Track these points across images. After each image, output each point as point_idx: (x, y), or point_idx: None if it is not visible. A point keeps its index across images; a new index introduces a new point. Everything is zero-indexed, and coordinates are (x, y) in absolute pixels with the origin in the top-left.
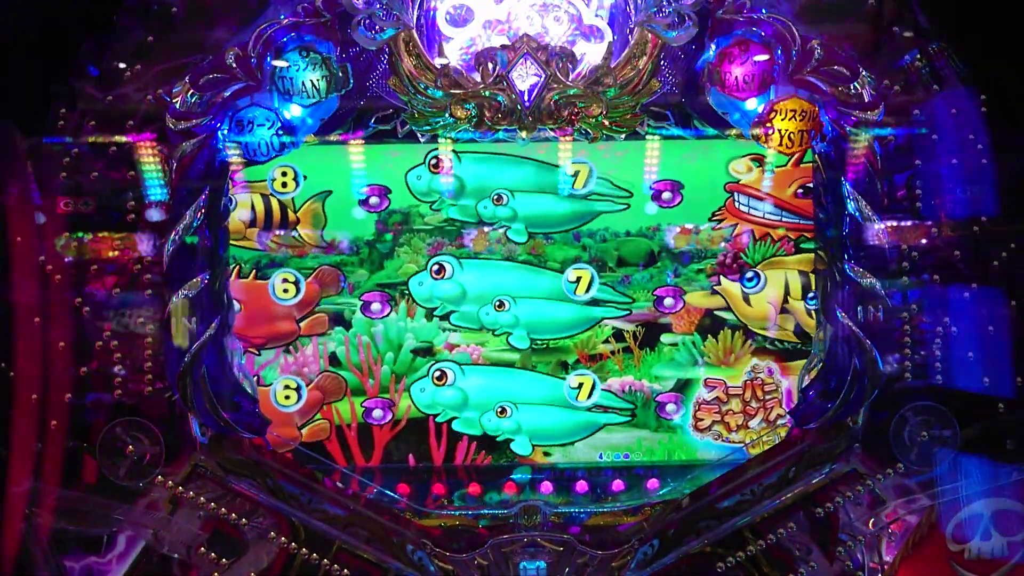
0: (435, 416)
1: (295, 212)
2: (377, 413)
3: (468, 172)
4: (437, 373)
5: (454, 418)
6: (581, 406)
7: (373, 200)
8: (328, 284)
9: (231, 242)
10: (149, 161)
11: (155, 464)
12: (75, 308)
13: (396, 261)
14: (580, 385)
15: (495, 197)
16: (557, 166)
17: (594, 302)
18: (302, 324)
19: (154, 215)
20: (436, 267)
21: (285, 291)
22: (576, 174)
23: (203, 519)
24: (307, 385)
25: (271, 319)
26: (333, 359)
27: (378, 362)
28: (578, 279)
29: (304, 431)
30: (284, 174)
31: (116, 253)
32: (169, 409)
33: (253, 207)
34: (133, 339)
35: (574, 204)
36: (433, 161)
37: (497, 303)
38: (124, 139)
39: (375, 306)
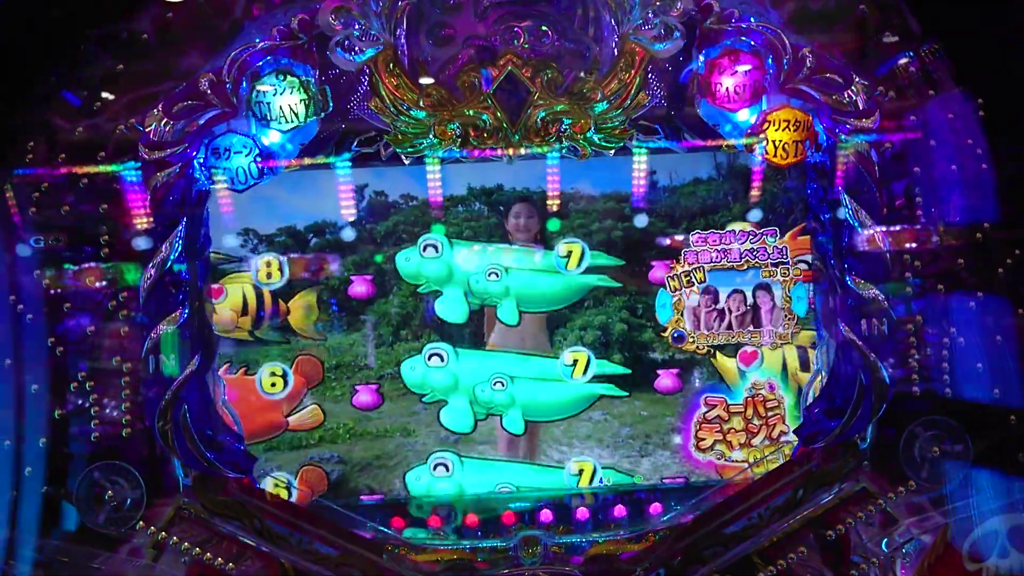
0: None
1: (286, 302)
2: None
3: (458, 258)
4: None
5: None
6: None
7: (359, 288)
8: (312, 375)
9: (221, 334)
10: (123, 193)
11: (136, 509)
12: (49, 348)
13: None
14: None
15: (489, 272)
16: (550, 250)
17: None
18: (291, 419)
19: (129, 248)
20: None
21: (273, 385)
22: (569, 254)
23: (188, 565)
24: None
25: (257, 413)
26: None
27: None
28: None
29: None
30: (268, 264)
31: (90, 289)
32: (149, 451)
33: (245, 297)
34: (110, 379)
35: (567, 280)
36: (424, 246)
37: (495, 382)
38: (96, 171)
39: (363, 397)
